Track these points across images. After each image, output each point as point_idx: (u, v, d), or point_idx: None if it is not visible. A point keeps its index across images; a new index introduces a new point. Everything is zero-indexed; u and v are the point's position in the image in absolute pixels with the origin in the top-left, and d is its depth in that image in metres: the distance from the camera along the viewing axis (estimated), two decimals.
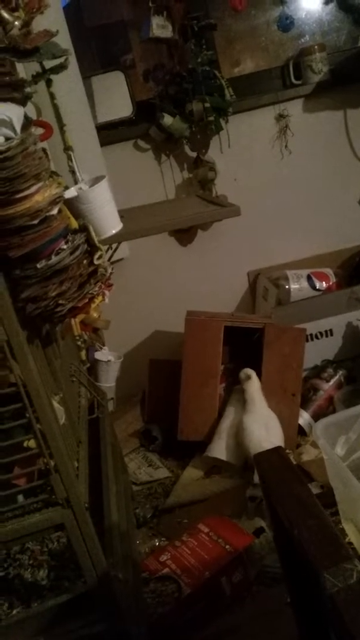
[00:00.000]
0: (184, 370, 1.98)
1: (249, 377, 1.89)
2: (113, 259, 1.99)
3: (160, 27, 2.19)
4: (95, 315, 1.39)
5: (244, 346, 2.08)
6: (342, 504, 0.88)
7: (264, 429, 1.81)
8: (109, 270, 0.96)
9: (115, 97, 2.24)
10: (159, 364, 2.19)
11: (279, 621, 1.36)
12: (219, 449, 1.88)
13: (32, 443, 0.95)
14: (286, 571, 0.99)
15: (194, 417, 1.97)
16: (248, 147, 2.35)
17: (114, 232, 1.21)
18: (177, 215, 1.48)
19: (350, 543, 0.86)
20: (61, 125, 1.45)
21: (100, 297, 0.96)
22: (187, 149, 2.31)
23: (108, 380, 1.69)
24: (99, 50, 2.42)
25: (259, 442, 1.74)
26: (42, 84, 1.51)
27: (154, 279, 2.39)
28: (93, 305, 0.96)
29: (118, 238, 1.24)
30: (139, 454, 2.08)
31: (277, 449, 0.94)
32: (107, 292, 0.97)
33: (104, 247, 1.00)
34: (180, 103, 2.20)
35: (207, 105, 2.16)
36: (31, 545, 1.23)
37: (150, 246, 2.28)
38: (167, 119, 2.16)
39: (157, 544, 1.65)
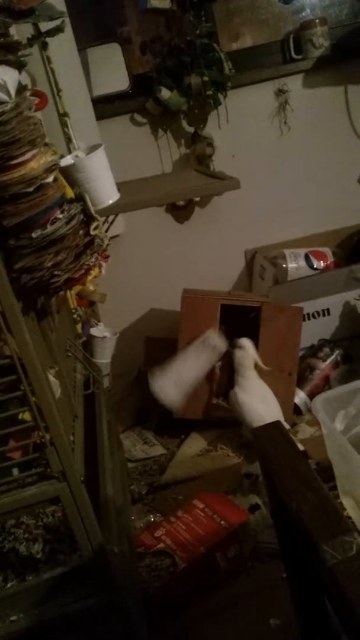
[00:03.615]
0: (180, 348, 1.97)
1: (245, 348, 1.83)
2: (109, 234, 1.97)
3: None
4: (91, 288, 1.37)
5: (240, 325, 2.06)
6: (340, 478, 0.87)
7: (262, 403, 1.79)
8: (106, 242, 0.94)
9: (112, 70, 2.19)
10: (155, 342, 2.17)
11: (274, 596, 1.38)
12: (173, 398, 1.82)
13: (27, 416, 0.94)
14: (283, 545, 0.99)
15: (190, 395, 1.96)
16: (247, 123, 2.31)
17: (110, 202, 1.18)
18: (175, 188, 1.45)
19: (349, 517, 0.86)
20: (57, 91, 1.41)
21: (96, 269, 0.94)
22: (184, 123, 2.27)
23: (104, 357, 1.67)
24: (95, 22, 2.36)
25: (261, 418, 1.71)
26: (36, 52, 1.47)
27: (150, 256, 2.37)
28: (89, 277, 0.94)
29: (115, 209, 1.22)
30: (134, 432, 2.08)
31: (276, 423, 0.93)
32: (103, 264, 0.95)
33: (101, 219, 0.98)
34: (178, 76, 2.15)
35: (206, 79, 2.11)
36: (26, 520, 1.22)
37: (146, 223, 2.25)
38: (165, 93, 2.12)
39: (152, 519, 1.65)
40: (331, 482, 0.95)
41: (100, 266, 0.95)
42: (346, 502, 0.87)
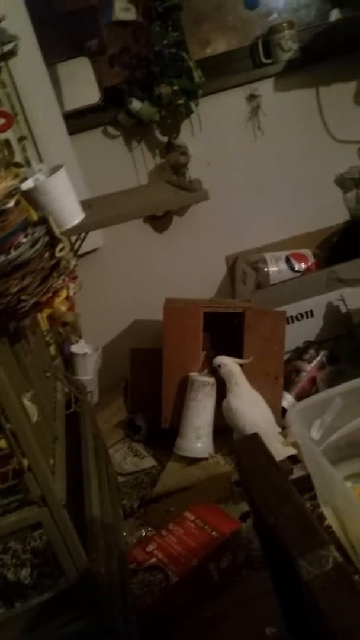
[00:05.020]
0: (165, 359, 1.96)
1: (224, 365, 1.87)
2: (86, 249, 1.96)
3: (123, 10, 2.14)
4: (63, 308, 1.36)
5: (224, 332, 2.06)
6: (319, 488, 0.87)
7: (254, 408, 1.81)
8: (72, 263, 0.94)
9: (82, 84, 2.19)
10: (140, 353, 2.17)
11: (269, 604, 1.37)
12: (201, 449, 1.88)
13: (2, 443, 0.93)
14: (267, 557, 0.99)
15: (177, 405, 1.96)
16: (220, 130, 2.31)
17: (75, 222, 1.18)
18: (145, 202, 1.45)
19: (329, 526, 0.85)
20: (15, 114, 1.41)
21: (64, 291, 0.94)
22: (157, 133, 2.27)
23: (87, 373, 1.67)
24: (63, 37, 2.36)
25: (253, 422, 1.74)
26: (4, 72, 1.47)
27: (131, 267, 2.37)
28: (58, 300, 0.93)
29: (82, 228, 1.21)
30: (124, 445, 2.06)
31: (254, 436, 0.93)
32: (71, 285, 0.94)
33: (70, 239, 0.98)
34: (148, 87, 2.15)
35: (176, 88, 2.12)
36: (13, 545, 1.21)
37: (125, 234, 2.25)
38: (136, 104, 2.12)
39: (144, 534, 1.64)
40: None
41: (68, 287, 0.94)
42: (327, 511, 0.87)
